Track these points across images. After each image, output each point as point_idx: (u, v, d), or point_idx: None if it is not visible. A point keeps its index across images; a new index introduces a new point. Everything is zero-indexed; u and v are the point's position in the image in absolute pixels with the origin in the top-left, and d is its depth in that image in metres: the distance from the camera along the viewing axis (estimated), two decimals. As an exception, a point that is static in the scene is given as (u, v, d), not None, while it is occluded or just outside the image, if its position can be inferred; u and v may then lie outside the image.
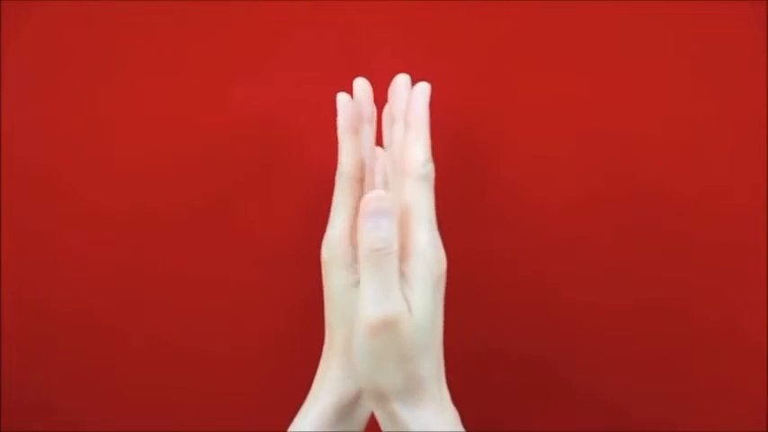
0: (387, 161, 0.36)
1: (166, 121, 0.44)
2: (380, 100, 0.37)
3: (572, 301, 0.45)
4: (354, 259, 0.32)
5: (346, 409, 0.34)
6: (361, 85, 0.36)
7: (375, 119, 0.37)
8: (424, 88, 0.33)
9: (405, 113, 0.33)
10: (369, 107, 0.36)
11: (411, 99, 0.33)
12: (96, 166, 0.44)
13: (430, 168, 0.31)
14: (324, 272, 0.33)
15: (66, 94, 0.44)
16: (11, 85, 0.44)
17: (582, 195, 0.44)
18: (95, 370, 0.46)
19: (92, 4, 0.43)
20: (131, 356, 0.45)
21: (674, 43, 0.43)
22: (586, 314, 0.45)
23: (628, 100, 0.43)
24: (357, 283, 0.32)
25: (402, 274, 0.30)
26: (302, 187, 0.44)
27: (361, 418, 0.34)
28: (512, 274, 0.45)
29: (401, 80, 0.35)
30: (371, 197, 0.29)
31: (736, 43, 0.42)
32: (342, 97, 0.34)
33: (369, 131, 0.36)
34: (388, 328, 0.29)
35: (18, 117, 0.44)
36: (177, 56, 0.44)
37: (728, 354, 0.44)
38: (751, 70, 0.42)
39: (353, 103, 0.35)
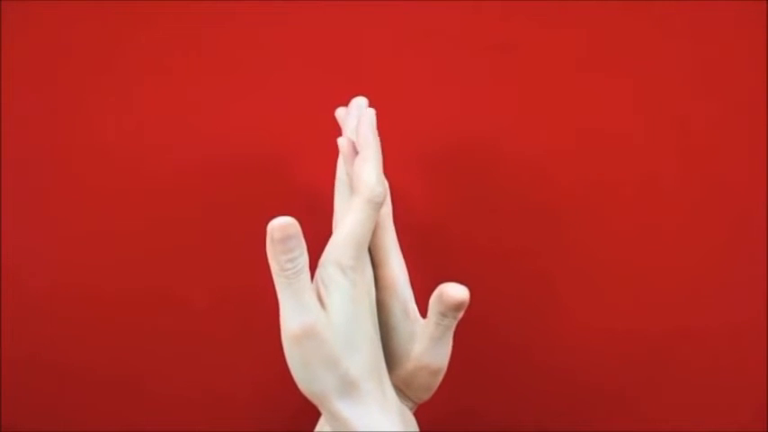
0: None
1: (166, 124, 0.44)
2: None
3: (572, 300, 0.45)
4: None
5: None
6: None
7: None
8: (368, 114, 0.35)
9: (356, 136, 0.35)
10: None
11: (359, 124, 0.35)
12: (95, 169, 0.44)
13: (379, 192, 0.33)
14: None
15: (66, 94, 0.44)
16: (11, 84, 0.44)
17: (582, 196, 0.44)
18: (96, 370, 0.45)
19: (92, 5, 0.43)
20: (131, 355, 0.45)
21: (673, 43, 0.43)
22: (587, 313, 0.45)
23: (627, 100, 0.43)
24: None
25: (321, 280, 0.33)
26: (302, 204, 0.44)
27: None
28: (512, 274, 0.45)
29: (355, 102, 0.37)
30: (278, 225, 0.31)
31: (736, 43, 0.42)
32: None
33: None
34: (308, 335, 0.32)
35: (17, 117, 0.44)
36: (179, 56, 0.44)
37: (728, 354, 0.44)
38: (751, 70, 0.43)
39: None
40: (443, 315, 0.33)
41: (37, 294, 0.45)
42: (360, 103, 0.37)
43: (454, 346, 0.36)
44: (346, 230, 0.33)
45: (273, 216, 0.34)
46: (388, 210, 0.36)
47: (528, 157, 0.44)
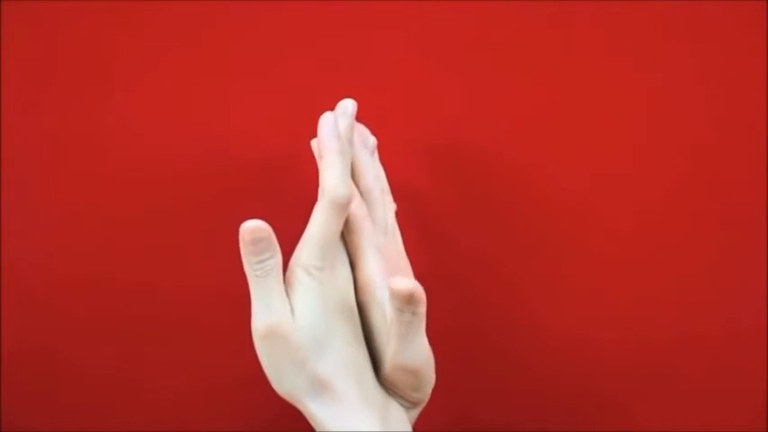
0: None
1: (165, 124, 0.44)
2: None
3: (572, 302, 0.45)
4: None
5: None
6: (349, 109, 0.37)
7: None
8: (327, 117, 0.35)
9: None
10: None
11: (319, 128, 0.35)
12: (95, 170, 0.44)
13: (340, 194, 0.33)
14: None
15: (66, 95, 0.44)
16: (11, 85, 0.44)
17: (582, 198, 0.44)
18: (96, 371, 0.46)
19: (92, 5, 0.43)
20: (131, 355, 0.45)
21: (673, 43, 0.43)
22: (586, 313, 0.45)
23: (627, 100, 0.43)
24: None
25: (288, 282, 0.34)
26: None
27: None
28: (511, 274, 0.45)
29: (341, 105, 0.37)
30: (248, 228, 0.32)
31: (737, 43, 0.42)
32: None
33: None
34: (273, 334, 0.33)
35: (17, 118, 0.44)
36: (179, 56, 0.44)
37: (728, 354, 0.44)
38: (751, 70, 0.42)
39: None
40: (400, 311, 0.32)
41: (37, 296, 0.45)
42: (345, 105, 0.36)
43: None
44: (310, 233, 0.33)
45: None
46: (361, 212, 0.36)
47: (530, 158, 0.44)
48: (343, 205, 0.33)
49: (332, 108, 0.39)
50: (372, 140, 0.39)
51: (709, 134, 0.43)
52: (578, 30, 0.43)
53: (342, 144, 0.34)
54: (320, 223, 0.33)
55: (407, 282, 0.31)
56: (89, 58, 0.44)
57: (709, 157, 0.43)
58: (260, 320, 0.33)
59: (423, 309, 0.32)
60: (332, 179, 0.33)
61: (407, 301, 0.31)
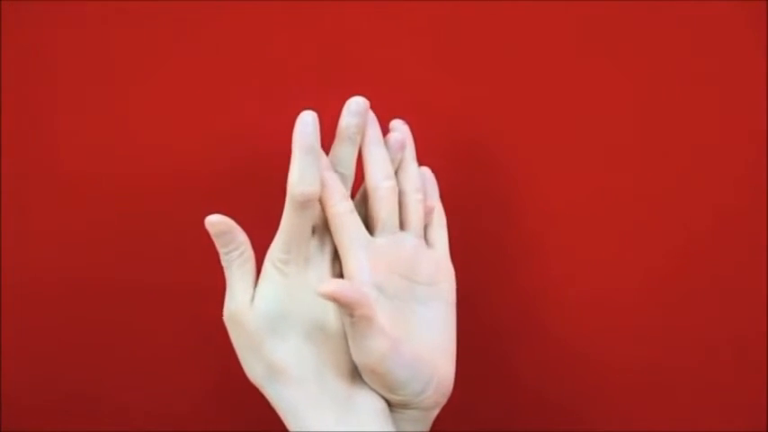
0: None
1: (165, 125, 0.44)
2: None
3: (572, 301, 0.45)
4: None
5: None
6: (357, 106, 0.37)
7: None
8: (301, 117, 0.35)
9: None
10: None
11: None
12: (94, 170, 0.44)
13: (298, 191, 0.34)
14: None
15: (66, 95, 0.44)
16: (11, 85, 0.44)
17: (583, 196, 0.44)
18: (97, 371, 0.46)
19: (92, 5, 0.43)
20: (131, 357, 0.45)
21: (673, 43, 0.43)
22: (587, 314, 0.45)
23: (627, 100, 0.43)
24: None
25: (261, 271, 0.35)
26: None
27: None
28: (513, 275, 0.45)
29: (349, 102, 0.37)
30: (209, 221, 0.34)
31: (736, 43, 0.42)
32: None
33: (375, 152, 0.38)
34: (232, 320, 0.35)
35: (16, 118, 0.44)
36: (179, 55, 0.44)
37: (729, 354, 0.44)
38: (751, 70, 0.43)
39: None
40: (342, 312, 0.32)
41: (37, 295, 0.45)
42: (351, 102, 0.37)
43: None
44: (279, 227, 0.35)
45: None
46: (342, 209, 0.36)
47: (535, 158, 0.44)
48: (302, 203, 0.34)
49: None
50: (394, 138, 0.39)
51: (709, 134, 0.43)
52: (581, 26, 0.43)
53: (311, 141, 0.34)
54: (284, 219, 0.35)
55: (331, 284, 0.31)
56: (88, 59, 0.44)
57: (709, 157, 0.43)
58: (225, 307, 0.35)
59: (362, 311, 0.32)
60: (293, 176, 0.34)
61: (336, 302, 0.31)
